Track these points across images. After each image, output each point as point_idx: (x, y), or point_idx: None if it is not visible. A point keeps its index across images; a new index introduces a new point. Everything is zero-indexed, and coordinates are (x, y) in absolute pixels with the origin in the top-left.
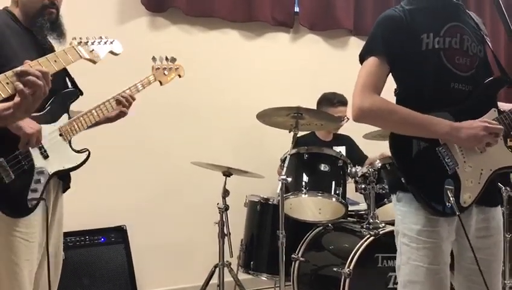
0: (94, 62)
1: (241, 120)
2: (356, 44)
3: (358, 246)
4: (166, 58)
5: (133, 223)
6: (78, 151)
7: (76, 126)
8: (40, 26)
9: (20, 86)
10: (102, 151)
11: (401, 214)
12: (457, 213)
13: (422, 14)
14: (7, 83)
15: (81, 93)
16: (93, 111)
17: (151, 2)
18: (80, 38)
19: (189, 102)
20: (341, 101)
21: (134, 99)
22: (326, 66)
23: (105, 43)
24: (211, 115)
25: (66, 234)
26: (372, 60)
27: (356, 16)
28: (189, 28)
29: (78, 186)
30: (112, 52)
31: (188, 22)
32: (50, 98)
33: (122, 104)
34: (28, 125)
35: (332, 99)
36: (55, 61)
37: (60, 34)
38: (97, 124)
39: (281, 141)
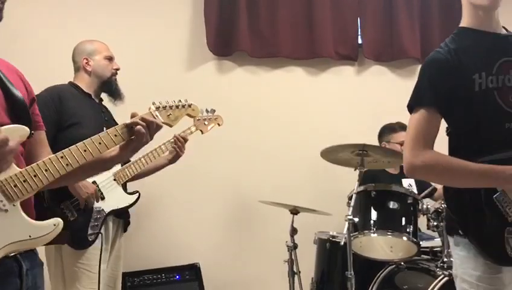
0: (170, 126)
1: (307, 156)
2: None
3: (432, 286)
4: (207, 110)
5: (205, 260)
6: (130, 193)
7: (127, 172)
8: (115, 89)
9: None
10: (174, 192)
11: (459, 259)
12: None
13: (469, 52)
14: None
15: None
16: (142, 159)
17: (217, 47)
18: (160, 102)
19: (256, 141)
20: (402, 126)
21: (186, 140)
22: (393, 97)
23: (183, 106)
24: (277, 153)
25: (143, 272)
26: (421, 112)
27: (423, 44)
28: (255, 68)
29: (153, 226)
30: (189, 115)
31: (254, 63)
32: None
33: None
34: (84, 190)
35: (393, 126)
36: (132, 127)
37: (122, 97)
38: (157, 169)
39: (348, 176)
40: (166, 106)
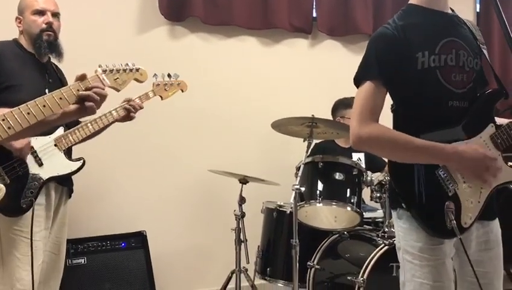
0: (117, 90)
1: (258, 127)
2: None
3: (373, 255)
4: (169, 75)
5: (152, 228)
6: (73, 160)
7: (71, 138)
8: (39, 47)
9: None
10: (123, 159)
11: (402, 231)
12: (459, 237)
13: (415, 30)
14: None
15: None
16: (89, 124)
17: (170, 11)
18: (106, 66)
19: (207, 110)
20: None
21: (141, 107)
22: (345, 72)
23: (130, 70)
24: (228, 123)
25: (87, 239)
26: (368, 85)
27: (375, 21)
28: (208, 36)
29: (99, 193)
30: (136, 80)
31: (207, 31)
32: None
33: (129, 111)
34: (18, 141)
35: (348, 101)
36: (78, 90)
37: (58, 54)
38: (105, 127)
39: (299, 148)
40: (113, 70)
